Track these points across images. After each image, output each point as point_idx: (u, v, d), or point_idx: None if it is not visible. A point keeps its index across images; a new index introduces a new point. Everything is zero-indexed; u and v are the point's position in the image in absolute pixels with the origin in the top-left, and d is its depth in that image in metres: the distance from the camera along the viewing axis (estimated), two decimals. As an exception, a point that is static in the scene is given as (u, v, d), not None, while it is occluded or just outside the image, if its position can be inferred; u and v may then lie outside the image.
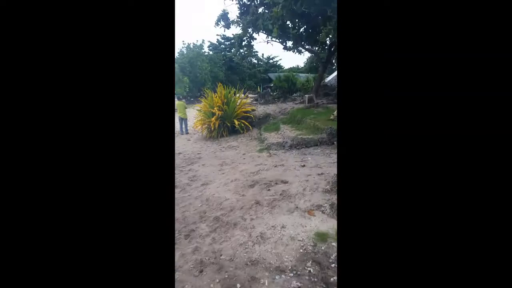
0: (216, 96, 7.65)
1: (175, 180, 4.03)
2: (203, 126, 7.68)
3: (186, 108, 8.81)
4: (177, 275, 1.99)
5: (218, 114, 7.25)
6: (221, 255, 2.17)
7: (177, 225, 2.73)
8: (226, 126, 7.39)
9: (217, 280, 1.92)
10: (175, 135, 8.36)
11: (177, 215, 2.94)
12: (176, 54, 24.49)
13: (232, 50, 26.82)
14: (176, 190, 3.67)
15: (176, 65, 22.26)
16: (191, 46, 24.34)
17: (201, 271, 2.04)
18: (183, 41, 25.91)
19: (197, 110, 8.22)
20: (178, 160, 5.27)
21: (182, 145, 6.91)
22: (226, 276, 1.94)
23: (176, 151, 6.08)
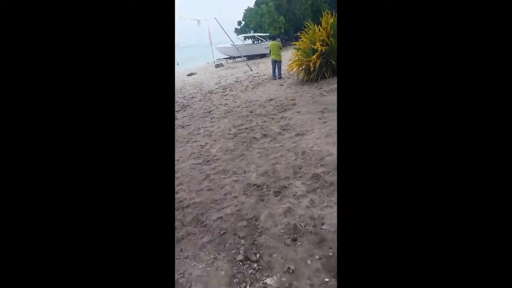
0: (319, 29, 6.24)
1: (265, 129, 3.69)
2: (300, 68, 6.45)
3: (281, 48, 7.72)
4: (263, 238, 1.70)
5: (321, 50, 5.87)
6: (322, 224, 1.72)
7: (266, 179, 2.40)
8: (330, 65, 5.98)
9: (317, 257, 1.49)
10: (268, 80, 7.94)
11: (267, 167, 2.60)
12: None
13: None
14: (266, 140, 3.33)
15: (271, 3, 20.99)
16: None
17: (294, 240, 1.65)
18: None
19: (294, 49, 6.94)
20: (269, 107, 4.89)
21: (274, 90, 6.27)
22: (331, 253, 1.49)
23: (267, 98, 5.68)
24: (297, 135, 3.29)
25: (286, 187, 2.22)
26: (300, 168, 2.47)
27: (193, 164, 2.97)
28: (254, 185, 2.33)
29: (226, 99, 6.32)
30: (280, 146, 3.06)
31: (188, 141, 3.78)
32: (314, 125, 3.52)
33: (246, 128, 3.91)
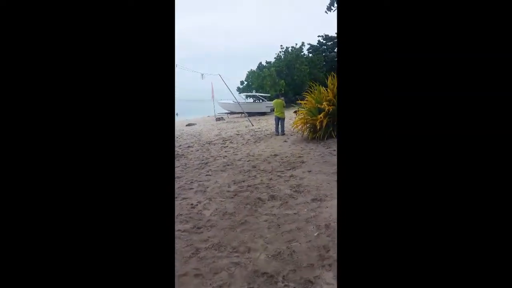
0: (325, 89, 6.41)
1: (272, 188, 3.05)
2: (305, 126, 6.44)
3: (284, 106, 7.95)
4: None
5: (328, 109, 5.92)
6: None
7: (280, 265, 1.66)
8: (336, 125, 6.01)
9: None
10: (270, 136, 7.57)
11: (280, 245, 1.88)
12: (273, 59, 24.80)
13: (336, 50, 25.16)
14: (275, 203, 2.67)
15: (272, 69, 22.45)
16: (290, 50, 24.12)
17: None
18: (281, 46, 24.59)
19: (300, 107, 7.08)
20: (274, 163, 4.33)
21: (277, 146, 5.93)
22: None
23: (271, 153, 5.23)
24: (314, 200, 2.63)
25: (312, 282, 1.48)
26: (328, 251, 1.76)
27: (179, 230, 2.23)
28: (263, 274, 1.58)
29: (226, 151, 5.78)
30: (295, 214, 2.37)
31: (176, 197, 3.07)
32: (333, 188, 2.89)
33: (249, 186, 3.25)
